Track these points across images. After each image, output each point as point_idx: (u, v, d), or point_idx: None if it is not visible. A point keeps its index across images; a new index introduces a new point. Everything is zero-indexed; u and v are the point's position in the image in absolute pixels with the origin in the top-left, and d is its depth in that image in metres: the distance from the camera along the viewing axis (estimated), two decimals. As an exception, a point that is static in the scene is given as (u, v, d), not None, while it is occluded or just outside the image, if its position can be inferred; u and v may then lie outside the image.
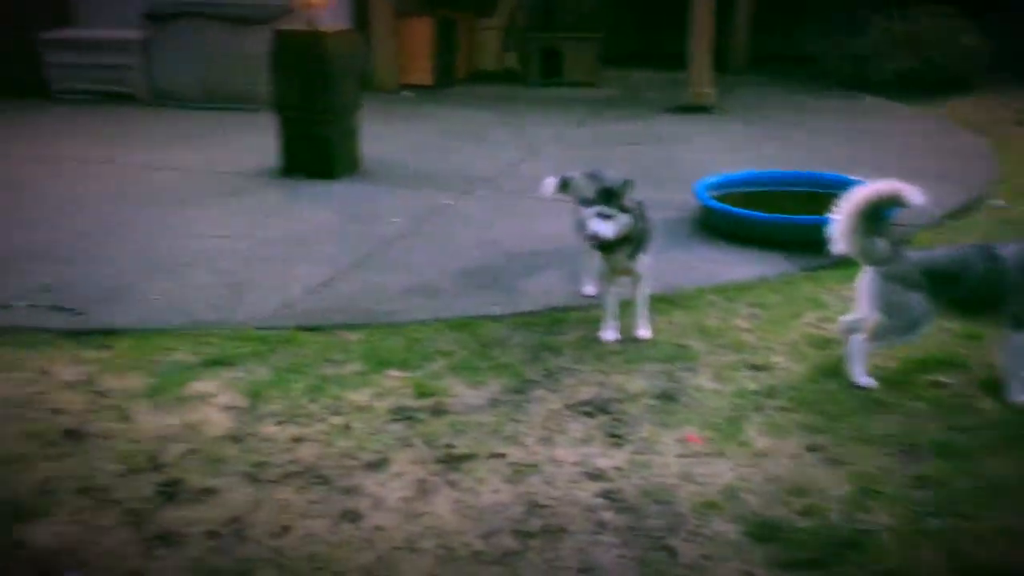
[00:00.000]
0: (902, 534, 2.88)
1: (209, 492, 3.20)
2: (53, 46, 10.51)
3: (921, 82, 10.02)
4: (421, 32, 10.69)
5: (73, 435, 3.54)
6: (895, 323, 3.79)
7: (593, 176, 4.64)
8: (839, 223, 3.81)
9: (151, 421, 3.66)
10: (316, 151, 7.11)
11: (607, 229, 4.10)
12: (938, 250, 4.23)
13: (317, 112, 7.03)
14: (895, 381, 3.88)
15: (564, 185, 4.95)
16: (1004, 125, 8.69)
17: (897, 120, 9.17)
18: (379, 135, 8.15)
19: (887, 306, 3.79)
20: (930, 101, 9.72)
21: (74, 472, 3.29)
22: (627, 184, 4.14)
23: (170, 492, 3.19)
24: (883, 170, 6.46)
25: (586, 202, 4.16)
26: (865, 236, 3.78)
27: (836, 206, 3.81)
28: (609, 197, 4.10)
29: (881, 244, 3.81)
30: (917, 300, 3.75)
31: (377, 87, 10.27)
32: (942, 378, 3.89)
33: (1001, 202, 6.24)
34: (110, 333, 4.43)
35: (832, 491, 3.14)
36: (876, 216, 3.79)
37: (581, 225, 4.29)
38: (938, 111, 9.39)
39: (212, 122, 9.35)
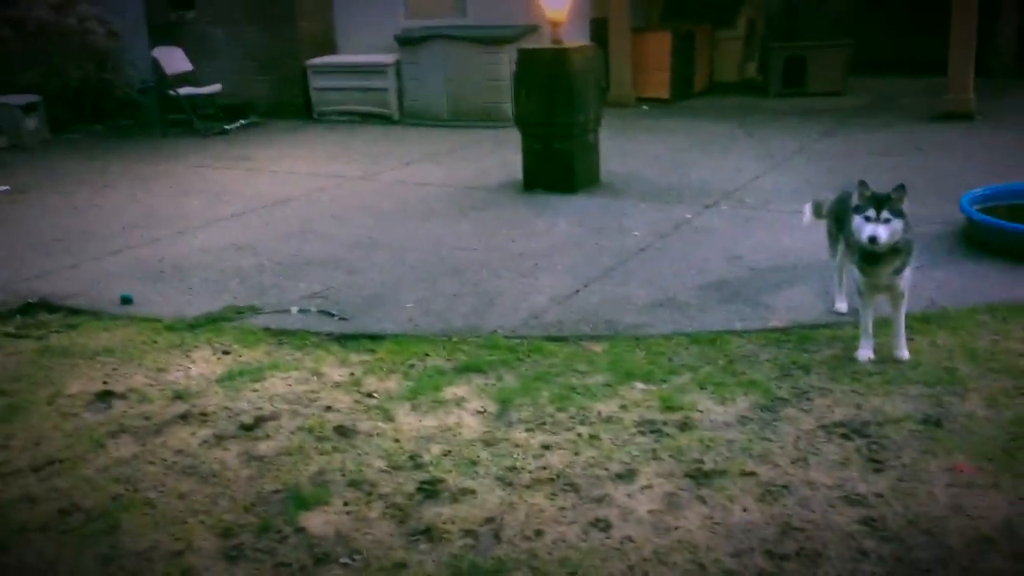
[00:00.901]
0: None
1: (466, 492, 3.34)
2: (317, 71, 11.41)
3: None
4: (658, 46, 10.70)
5: (343, 432, 3.82)
6: None
7: (846, 198, 4.44)
8: None
9: (411, 422, 3.87)
10: (557, 165, 7.28)
11: (884, 233, 3.87)
12: None
13: (559, 127, 7.20)
14: None
15: (818, 209, 4.83)
16: None
17: None
18: (618, 149, 8.23)
19: None
20: None
21: (344, 466, 3.55)
22: (901, 189, 3.92)
23: (430, 490, 3.36)
24: None
25: (859, 208, 3.96)
26: None
27: None
28: (883, 202, 3.90)
29: None
30: None
31: (614, 102, 10.37)
32: None
33: None
34: (373, 338, 4.73)
35: None
36: None
37: (853, 232, 4.08)
38: None
39: (459, 139, 9.79)
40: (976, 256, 5.31)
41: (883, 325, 4.25)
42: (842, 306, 4.63)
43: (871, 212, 3.88)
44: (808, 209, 4.88)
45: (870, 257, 3.99)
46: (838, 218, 4.47)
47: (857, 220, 3.94)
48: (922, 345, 4.23)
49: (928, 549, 2.86)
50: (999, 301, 4.66)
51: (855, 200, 3.96)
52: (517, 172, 7.52)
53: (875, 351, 4.18)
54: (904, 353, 4.14)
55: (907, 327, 4.20)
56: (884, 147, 8.03)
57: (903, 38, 11.59)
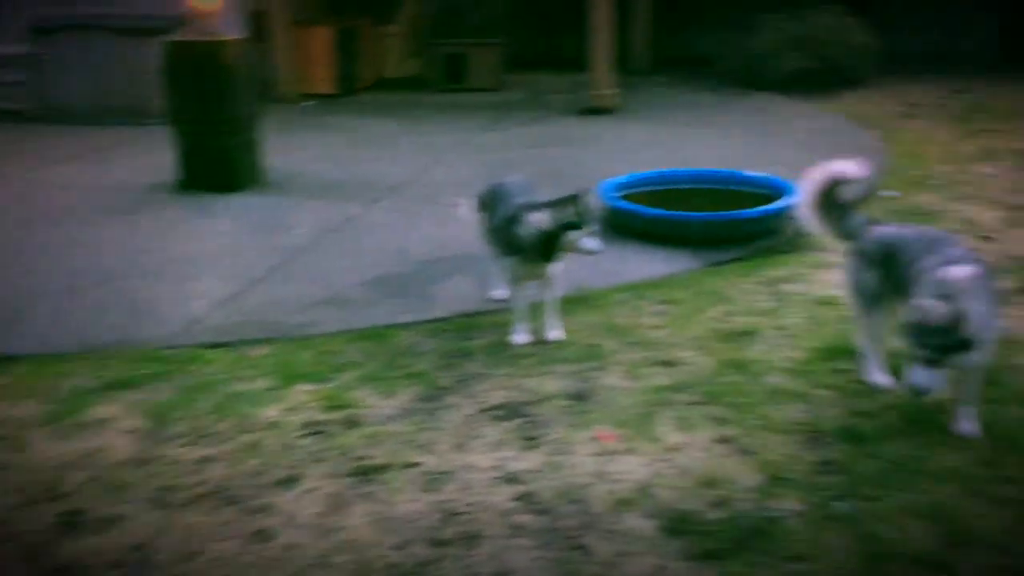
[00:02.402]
0: (809, 519, 2.95)
1: (112, 520, 3.08)
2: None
3: (815, 80, 10.35)
4: (321, 41, 10.58)
5: (-36, 469, 3.38)
6: (857, 301, 3.85)
7: (496, 189, 4.66)
8: (805, 209, 3.94)
9: (49, 449, 3.51)
10: (216, 164, 6.96)
11: (597, 245, 4.13)
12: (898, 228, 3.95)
13: (215, 124, 6.89)
14: (799, 370, 3.98)
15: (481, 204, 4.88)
16: (893, 119, 9.02)
17: (794, 117, 9.44)
18: (282, 146, 8.04)
19: (849, 284, 3.87)
20: (824, 98, 10.04)
21: (-34, 508, 3.15)
22: (588, 193, 4.17)
23: (71, 522, 3.06)
24: (783, 165, 6.72)
25: (575, 225, 4.09)
26: (830, 215, 3.87)
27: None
28: (575, 210, 4.11)
29: (853, 221, 3.86)
30: (872, 278, 3.75)
31: (278, 98, 10.12)
32: (843, 365, 4.00)
33: (892, 192, 6.47)
34: (5, 360, 4.24)
35: (741, 481, 3.19)
36: (833, 195, 3.88)
37: (500, 232, 4.30)
38: (832, 107, 9.69)
39: (107, 138, 9.08)
40: (618, 240, 5.76)
41: (536, 308, 4.48)
42: (499, 293, 4.83)
43: (589, 228, 4.11)
44: (465, 203, 5.02)
45: (541, 252, 4.19)
46: (489, 209, 4.66)
47: (575, 234, 4.11)
48: (571, 325, 4.51)
49: (576, 516, 3.04)
50: (637, 280, 5.09)
51: (566, 216, 4.11)
52: (172, 172, 7.09)
53: (532, 334, 4.40)
54: (557, 333, 4.40)
55: (558, 310, 4.47)
56: (537, 140, 8.51)
57: (553, 37, 12.36)
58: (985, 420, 3.46)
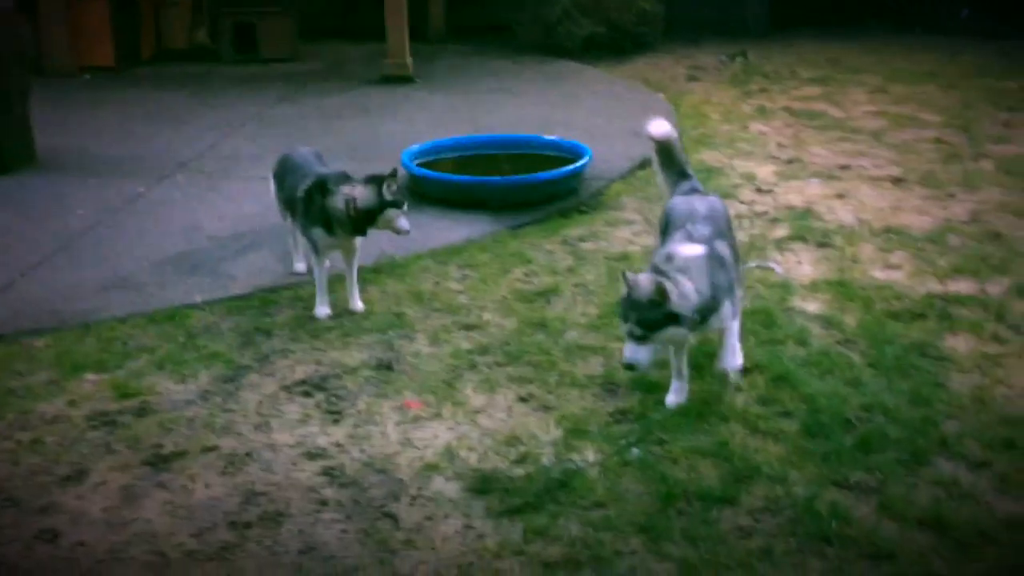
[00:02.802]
0: (607, 467, 3.07)
1: None
2: None
3: (608, 46, 10.64)
4: (97, 10, 9.88)
5: None
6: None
7: (287, 159, 4.58)
8: (656, 166, 4.09)
9: None
10: (-18, 144, 6.39)
11: (409, 225, 4.18)
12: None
13: (-23, 100, 6.32)
14: (596, 326, 4.11)
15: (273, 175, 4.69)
16: (679, 82, 9.42)
17: (587, 82, 9.68)
18: (58, 123, 7.49)
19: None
20: (617, 63, 10.34)
21: None
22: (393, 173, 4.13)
23: None
24: (577, 128, 6.90)
25: (396, 203, 4.08)
26: (668, 173, 4.01)
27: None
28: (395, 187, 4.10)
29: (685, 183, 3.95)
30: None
31: (51, 71, 9.40)
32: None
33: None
34: None
35: (543, 437, 3.28)
36: (672, 153, 4.01)
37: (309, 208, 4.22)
38: (623, 72, 10.00)
39: None
40: (418, 207, 5.73)
41: (338, 280, 4.41)
42: (300, 266, 4.72)
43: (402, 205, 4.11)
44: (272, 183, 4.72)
45: (353, 226, 4.13)
46: (280, 181, 4.54)
47: (393, 212, 4.09)
48: (374, 295, 4.48)
49: (382, 486, 3.04)
50: (440, 246, 5.09)
51: (387, 194, 4.05)
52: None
53: (332, 307, 4.33)
54: (359, 304, 4.35)
55: (361, 279, 4.41)
56: (335, 110, 8.33)
57: (348, 4, 12.07)
58: (763, 360, 3.71)
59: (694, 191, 3.88)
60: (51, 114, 7.47)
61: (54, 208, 5.81)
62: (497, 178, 5.80)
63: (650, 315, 3.10)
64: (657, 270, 3.25)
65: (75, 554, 2.74)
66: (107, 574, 2.65)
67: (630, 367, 3.20)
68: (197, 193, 6.12)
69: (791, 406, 3.42)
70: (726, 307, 3.33)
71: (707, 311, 3.25)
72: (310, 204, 4.23)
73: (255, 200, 5.59)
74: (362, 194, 4.08)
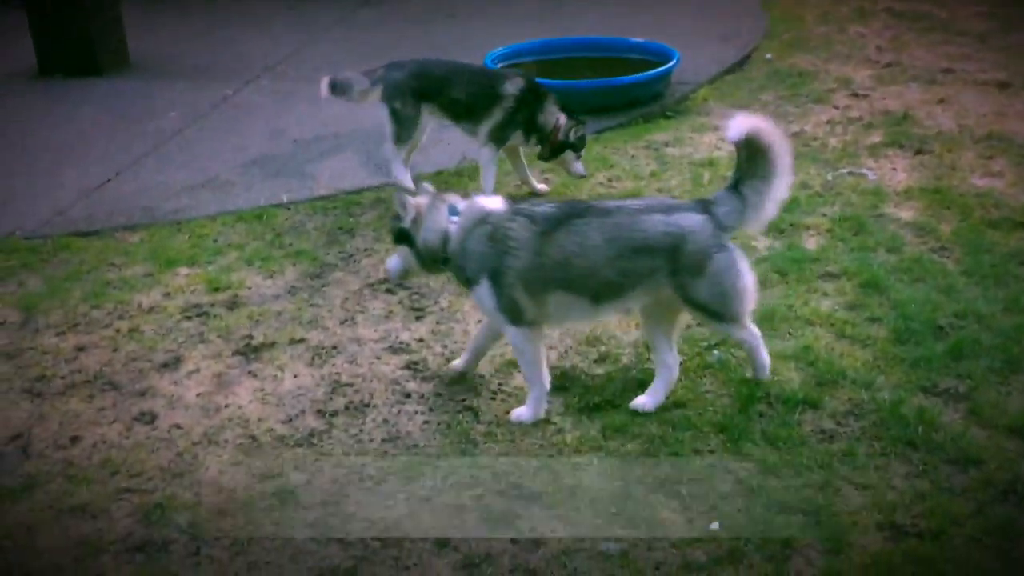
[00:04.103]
0: (687, 369, 3.05)
1: (-15, 414, 2.99)
2: None
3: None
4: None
5: None
6: None
7: (434, 67, 4.57)
8: None
9: (-90, 348, 3.35)
10: (77, 46, 6.52)
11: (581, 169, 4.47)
12: None
13: (74, 3, 6.43)
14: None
15: (334, 87, 4.56)
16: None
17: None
18: (148, 27, 7.59)
19: None
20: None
21: None
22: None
23: (-61, 418, 2.96)
24: (667, 34, 6.69)
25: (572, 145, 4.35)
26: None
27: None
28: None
29: None
30: None
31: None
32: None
33: (770, 56, 6.53)
34: None
35: (624, 338, 3.28)
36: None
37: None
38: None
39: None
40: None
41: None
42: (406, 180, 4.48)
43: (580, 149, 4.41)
44: (325, 85, 4.58)
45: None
46: (421, 94, 4.42)
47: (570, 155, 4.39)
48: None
49: (463, 381, 3.08)
50: (466, 166, 4.96)
51: (573, 136, 4.33)
52: (29, 55, 6.63)
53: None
54: (542, 186, 4.63)
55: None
56: (420, 15, 8.23)
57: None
58: (851, 267, 3.61)
59: (714, 221, 2.82)
60: (141, 19, 7.56)
61: (145, 110, 5.92)
62: (581, 81, 5.69)
63: (392, 224, 3.00)
64: (438, 197, 2.99)
65: (172, 436, 2.86)
66: (202, 455, 2.76)
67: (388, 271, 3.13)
68: (282, 97, 6.16)
69: (879, 312, 3.34)
70: (481, 288, 2.84)
71: (444, 261, 2.91)
72: (518, 109, 4.31)
73: (336, 105, 5.59)
74: (565, 126, 4.32)
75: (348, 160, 5.02)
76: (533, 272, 2.77)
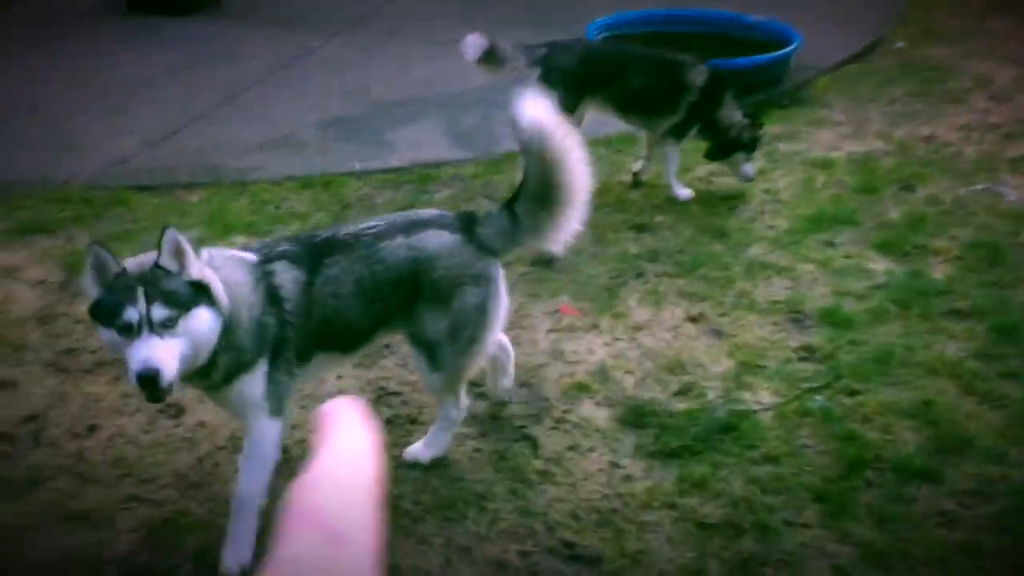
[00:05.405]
0: (784, 415, 2.64)
1: (4, 386, 2.75)
2: None
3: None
4: None
5: None
6: None
7: (599, 51, 4.12)
8: None
9: (-59, 302, 3.15)
10: (165, -17, 6.30)
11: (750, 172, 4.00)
12: None
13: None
14: (784, 241, 3.60)
15: (487, 55, 3.67)
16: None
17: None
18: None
19: None
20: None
21: None
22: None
23: (-46, 388, 2.73)
24: (787, 12, 6.12)
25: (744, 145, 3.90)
26: None
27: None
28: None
29: None
30: None
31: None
32: (832, 237, 3.62)
33: (901, 44, 5.93)
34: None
35: (712, 367, 2.87)
36: None
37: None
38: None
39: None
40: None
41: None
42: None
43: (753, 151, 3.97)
44: (477, 44, 3.65)
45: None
46: (588, 84, 3.82)
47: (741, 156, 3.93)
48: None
49: (524, 403, 2.72)
50: (615, 133, 4.58)
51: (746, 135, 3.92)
52: (119, -9, 6.45)
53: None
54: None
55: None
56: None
57: None
58: (988, 306, 3.12)
59: (474, 242, 2.33)
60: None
61: (226, 56, 5.66)
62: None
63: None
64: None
65: (195, 436, 2.59)
66: (223, 464, 2.48)
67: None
68: (366, 53, 5.82)
69: (1016, 366, 2.85)
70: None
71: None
72: (703, 102, 3.86)
73: (425, 65, 5.26)
74: (739, 123, 3.93)
75: (429, 130, 4.67)
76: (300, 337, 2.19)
